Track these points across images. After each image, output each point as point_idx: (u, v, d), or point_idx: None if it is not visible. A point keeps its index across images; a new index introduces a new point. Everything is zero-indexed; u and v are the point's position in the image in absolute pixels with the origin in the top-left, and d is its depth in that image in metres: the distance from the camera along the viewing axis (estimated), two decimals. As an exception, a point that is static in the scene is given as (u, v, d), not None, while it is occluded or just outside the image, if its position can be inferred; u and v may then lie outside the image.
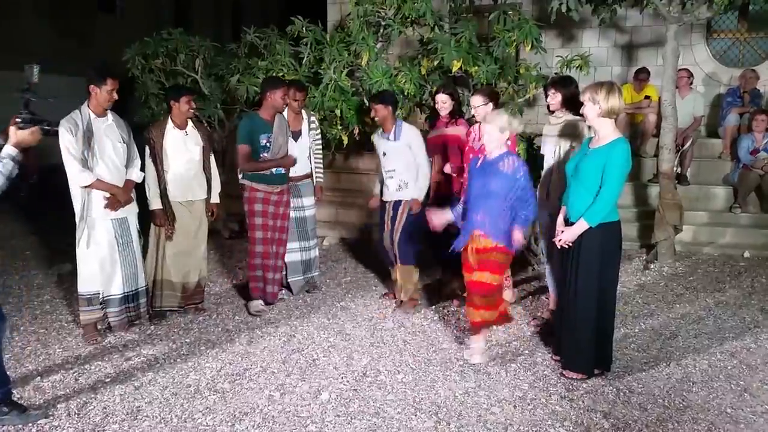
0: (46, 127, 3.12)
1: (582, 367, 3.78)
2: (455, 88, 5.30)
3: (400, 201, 4.94)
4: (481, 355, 4.08)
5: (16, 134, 3.00)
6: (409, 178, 4.89)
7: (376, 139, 5.15)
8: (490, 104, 4.68)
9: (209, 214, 4.91)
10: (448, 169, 5.11)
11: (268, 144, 4.82)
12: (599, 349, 3.77)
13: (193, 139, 4.74)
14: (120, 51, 7.10)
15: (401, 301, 5.10)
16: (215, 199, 4.95)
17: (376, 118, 5.04)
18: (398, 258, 5.00)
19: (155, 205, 4.61)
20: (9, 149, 3.00)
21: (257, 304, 5.00)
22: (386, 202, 5.06)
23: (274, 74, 6.30)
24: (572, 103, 4.31)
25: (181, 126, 4.68)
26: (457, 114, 5.17)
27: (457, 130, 5.08)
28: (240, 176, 4.95)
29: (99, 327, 4.46)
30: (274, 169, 4.88)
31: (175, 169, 4.65)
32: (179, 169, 4.67)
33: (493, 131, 3.92)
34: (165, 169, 4.62)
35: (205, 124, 7.18)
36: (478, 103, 4.71)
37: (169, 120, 4.67)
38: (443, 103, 5.07)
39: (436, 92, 5.19)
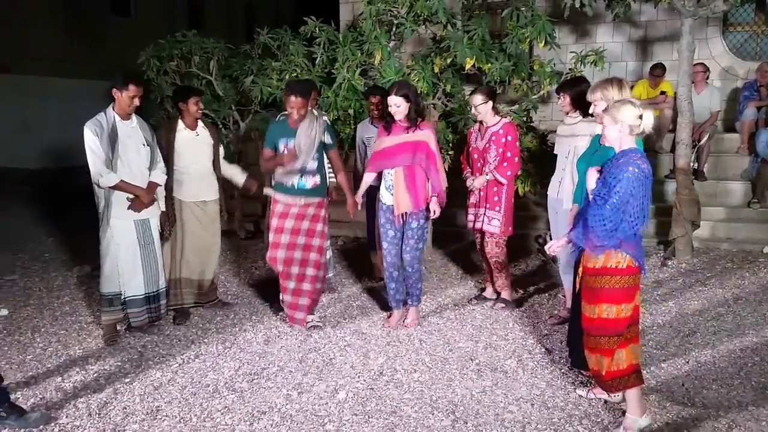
0: None
1: None
2: (412, 89, 4.55)
3: None
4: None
5: None
6: None
7: (367, 128, 5.41)
8: (490, 102, 4.80)
9: (223, 213, 4.99)
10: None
11: (285, 150, 4.46)
12: None
13: (204, 140, 4.78)
14: (134, 54, 7.15)
15: None
16: (241, 181, 5.11)
17: (376, 110, 5.25)
18: None
19: (162, 207, 4.61)
20: None
21: (311, 318, 4.72)
22: (374, 187, 5.18)
23: (288, 75, 6.34)
24: (583, 103, 4.30)
25: (192, 126, 4.73)
26: (415, 118, 4.47)
27: (423, 135, 4.44)
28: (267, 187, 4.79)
29: (119, 328, 4.51)
30: (296, 182, 4.49)
31: (187, 170, 4.69)
32: (191, 170, 4.71)
33: (608, 123, 3.15)
34: (178, 170, 4.65)
35: (220, 125, 7.23)
36: (478, 102, 4.79)
37: (180, 121, 4.71)
38: (397, 106, 4.39)
39: (387, 93, 4.55)
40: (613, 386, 3.18)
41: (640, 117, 3.08)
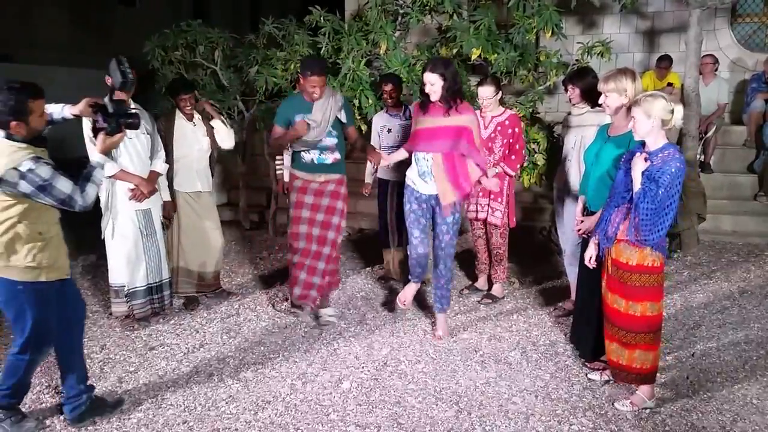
0: (129, 121, 3.15)
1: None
2: (450, 68, 4.05)
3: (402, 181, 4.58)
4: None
5: (104, 142, 3.06)
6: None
7: (381, 117, 5.29)
8: (500, 92, 4.77)
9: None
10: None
11: None
12: None
13: (202, 131, 4.76)
14: (140, 43, 7.14)
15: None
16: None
17: (390, 98, 5.14)
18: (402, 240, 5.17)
19: (165, 197, 4.63)
20: (98, 157, 3.05)
21: (327, 311, 4.62)
22: (387, 181, 5.22)
23: (293, 65, 6.31)
24: (592, 94, 4.27)
25: (189, 117, 4.72)
26: (452, 99, 4.03)
27: (466, 120, 4.05)
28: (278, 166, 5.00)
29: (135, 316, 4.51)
30: (315, 158, 4.36)
31: (183, 160, 4.67)
32: (188, 160, 4.69)
33: (641, 118, 3.14)
34: (175, 159, 4.64)
35: (224, 116, 7.22)
36: (490, 94, 4.71)
37: (177, 111, 4.70)
38: (431, 84, 3.99)
39: (423, 70, 4.12)
40: (631, 379, 3.37)
41: (671, 111, 3.12)
